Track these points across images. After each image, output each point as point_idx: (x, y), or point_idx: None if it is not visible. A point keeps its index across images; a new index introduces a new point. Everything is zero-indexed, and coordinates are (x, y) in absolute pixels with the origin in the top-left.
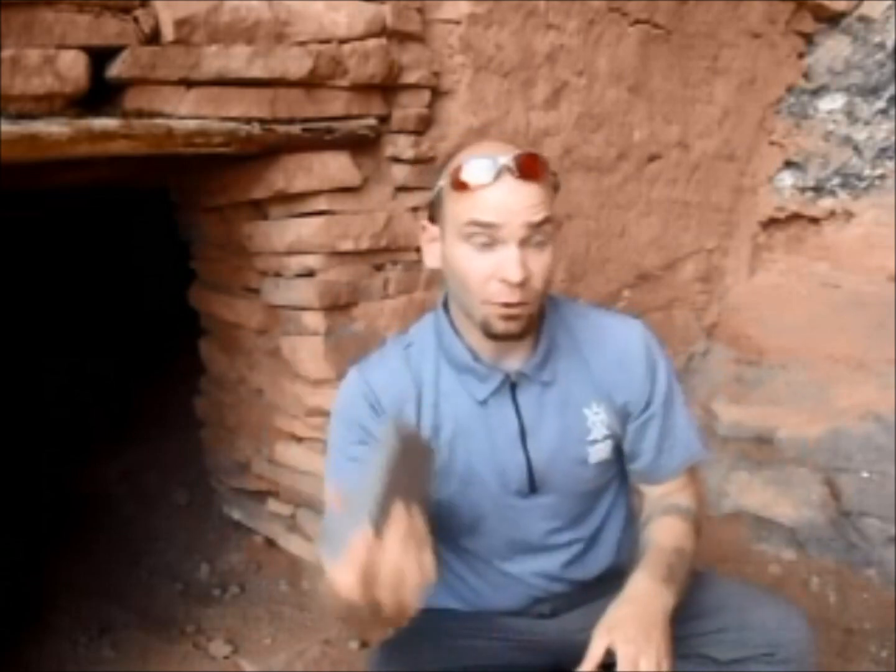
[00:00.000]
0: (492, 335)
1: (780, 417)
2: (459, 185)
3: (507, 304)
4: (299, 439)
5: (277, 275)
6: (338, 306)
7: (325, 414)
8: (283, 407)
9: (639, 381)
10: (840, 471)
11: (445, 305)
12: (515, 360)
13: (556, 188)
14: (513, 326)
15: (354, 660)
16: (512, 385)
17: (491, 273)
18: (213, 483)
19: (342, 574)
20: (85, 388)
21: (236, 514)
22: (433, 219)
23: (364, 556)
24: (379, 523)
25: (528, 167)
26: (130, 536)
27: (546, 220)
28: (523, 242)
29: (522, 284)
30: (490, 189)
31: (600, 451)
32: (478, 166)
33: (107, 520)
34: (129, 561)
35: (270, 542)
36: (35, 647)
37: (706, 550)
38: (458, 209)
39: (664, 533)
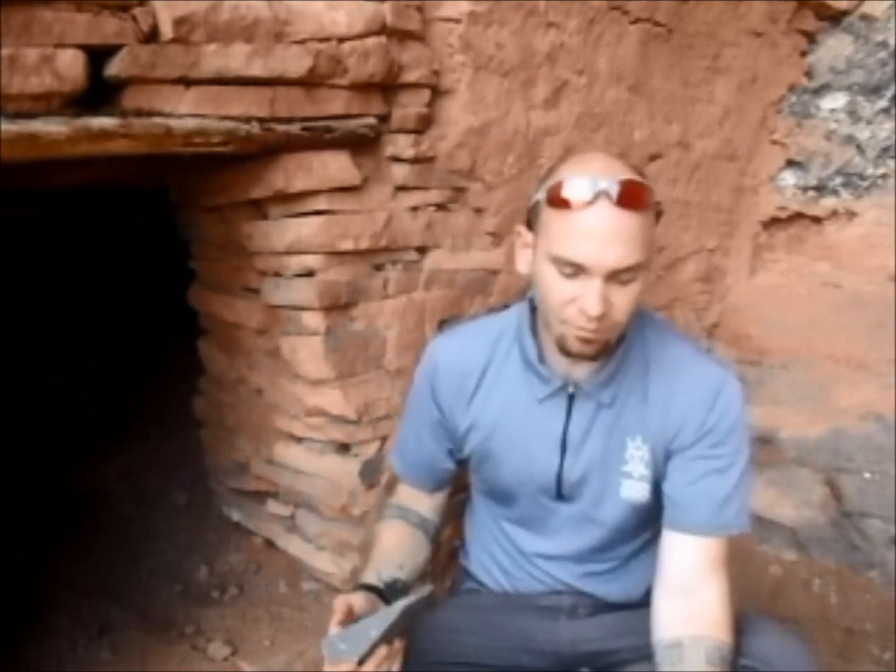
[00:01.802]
0: (566, 352)
1: (781, 418)
2: (555, 203)
3: (583, 328)
4: (299, 439)
5: (277, 275)
6: (338, 306)
7: (324, 414)
8: (282, 407)
9: (694, 421)
10: (841, 471)
11: (532, 301)
12: (580, 372)
13: (658, 215)
14: (587, 349)
15: None
16: (571, 395)
17: (572, 298)
18: (213, 484)
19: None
20: (85, 387)
21: (235, 515)
22: (529, 224)
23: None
24: (364, 656)
25: (629, 196)
26: (130, 536)
27: (636, 265)
28: (609, 278)
29: (601, 318)
30: (585, 215)
31: (633, 490)
32: (576, 186)
33: (106, 520)
34: (129, 561)
35: (270, 543)
36: (35, 647)
37: None
38: (550, 230)
39: None
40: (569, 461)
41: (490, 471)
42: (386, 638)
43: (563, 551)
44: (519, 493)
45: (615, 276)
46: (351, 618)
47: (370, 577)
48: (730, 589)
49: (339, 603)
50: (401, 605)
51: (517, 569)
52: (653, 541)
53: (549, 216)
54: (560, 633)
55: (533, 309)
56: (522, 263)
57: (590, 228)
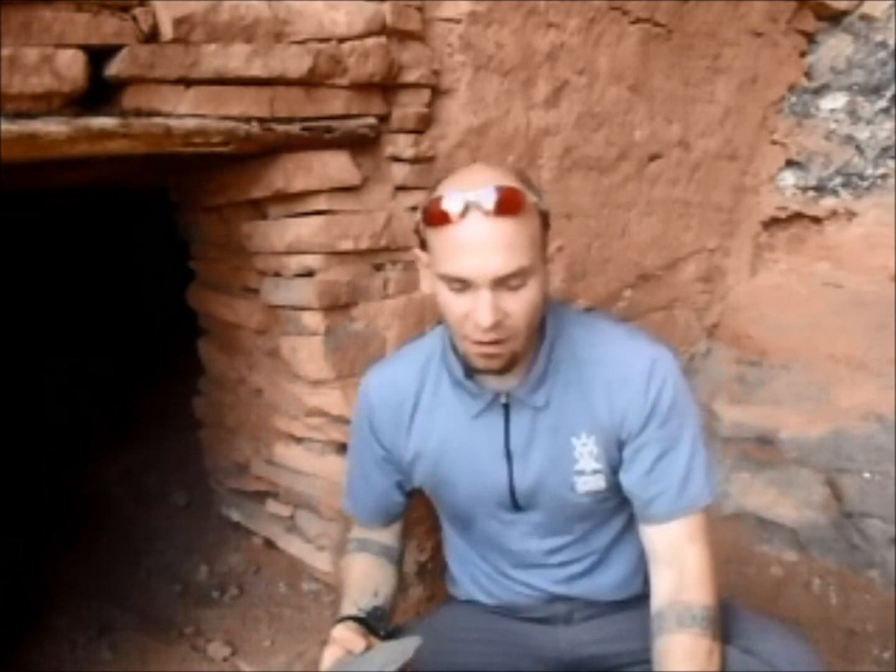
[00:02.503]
0: (473, 370)
1: (782, 418)
2: (430, 222)
3: (482, 343)
4: (298, 440)
5: (277, 275)
6: (337, 306)
7: (324, 414)
8: (282, 407)
9: (636, 406)
10: (842, 471)
11: None
12: (509, 381)
13: (544, 216)
14: (493, 363)
15: None
16: (505, 405)
17: (466, 313)
18: (213, 484)
19: None
20: (85, 388)
21: (235, 515)
22: (423, 244)
23: None
24: None
25: (501, 204)
26: (130, 537)
27: (519, 270)
28: (496, 286)
29: (495, 326)
30: (459, 229)
31: (589, 483)
32: (447, 202)
33: (106, 520)
34: (129, 561)
35: (270, 544)
36: (34, 647)
37: None
38: (434, 249)
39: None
40: (518, 471)
41: (445, 496)
42: None
43: (538, 560)
44: (477, 513)
45: (502, 284)
46: (365, 644)
47: (349, 609)
48: (708, 552)
49: (344, 633)
50: (413, 644)
51: (501, 588)
52: (629, 529)
53: (430, 236)
54: (558, 639)
55: None
56: (426, 284)
57: (466, 241)
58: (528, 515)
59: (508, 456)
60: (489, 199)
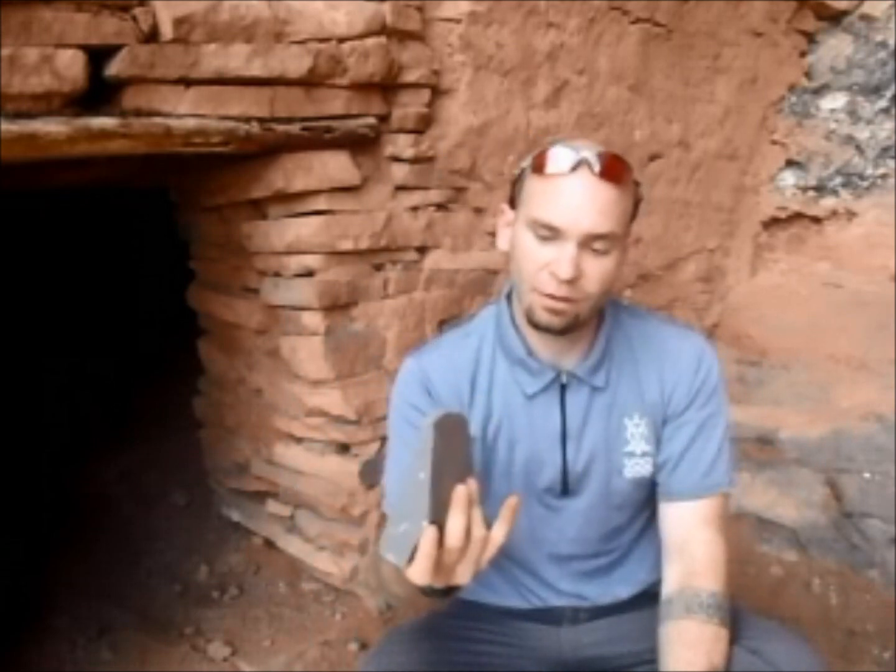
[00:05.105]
0: (533, 324)
1: (782, 418)
2: (538, 169)
3: (552, 297)
4: (298, 440)
5: (277, 275)
6: (337, 306)
7: (324, 414)
8: (282, 407)
9: (685, 384)
10: (842, 472)
11: (509, 297)
12: (569, 361)
13: (637, 201)
14: (555, 321)
15: (353, 661)
16: (562, 385)
17: (545, 263)
18: (213, 484)
19: (417, 576)
20: (85, 388)
21: (235, 515)
22: (512, 201)
23: (432, 554)
24: (438, 514)
25: (609, 168)
26: (130, 537)
27: (610, 234)
28: (583, 245)
29: (571, 282)
30: (565, 181)
31: (637, 467)
32: (560, 154)
33: (106, 520)
34: (129, 561)
35: (269, 543)
36: (34, 647)
37: None
38: (532, 196)
39: (689, 658)
40: (571, 453)
41: (493, 482)
42: (441, 476)
43: (569, 550)
44: (522, 500)
45: (588, 244)
46: None
47: None
48: (721, 540)
49: None
50: (428, 422)
51: (513, 587)
52: (650, 527)
53: (532, 183)
54: (561, 639)
55: (510, 303)
56: (503, 241)
57: (569, 193)
58: (574, 501)
59: (564, 437)
60: (600, 161)
